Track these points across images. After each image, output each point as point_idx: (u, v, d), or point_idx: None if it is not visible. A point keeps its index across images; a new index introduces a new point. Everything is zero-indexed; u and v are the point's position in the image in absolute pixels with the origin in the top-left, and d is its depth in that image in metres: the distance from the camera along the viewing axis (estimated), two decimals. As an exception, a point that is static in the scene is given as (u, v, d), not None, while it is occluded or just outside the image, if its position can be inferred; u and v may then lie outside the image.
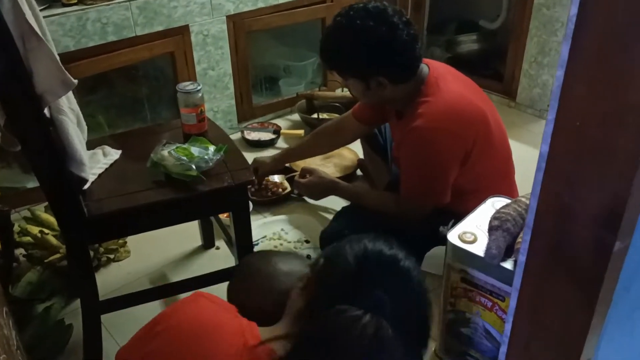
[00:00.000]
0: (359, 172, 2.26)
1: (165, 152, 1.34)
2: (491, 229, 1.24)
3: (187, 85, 1.46)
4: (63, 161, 1.15)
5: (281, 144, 2.49)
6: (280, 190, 2.10)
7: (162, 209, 1.29)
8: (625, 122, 0.60)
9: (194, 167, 1.30)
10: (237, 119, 2.56)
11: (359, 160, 2.25)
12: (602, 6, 0.59)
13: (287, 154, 1.98)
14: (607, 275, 0.70)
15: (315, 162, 2.26)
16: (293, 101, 2.66)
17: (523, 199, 1.29)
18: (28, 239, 1.63)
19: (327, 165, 2.25)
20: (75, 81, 1.09)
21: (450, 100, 1.48)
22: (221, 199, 1.34)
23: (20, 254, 1.70)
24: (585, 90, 0.64)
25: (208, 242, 1.84)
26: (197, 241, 1.87)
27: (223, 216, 1.94)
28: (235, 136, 2.53)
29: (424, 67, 1.53)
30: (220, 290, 1.16)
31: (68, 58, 1.92)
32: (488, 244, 1.21)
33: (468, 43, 3.07)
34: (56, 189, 1.15)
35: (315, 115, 2.53)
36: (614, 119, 0.61)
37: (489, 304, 1.26)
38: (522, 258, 0.78)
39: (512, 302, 0.82)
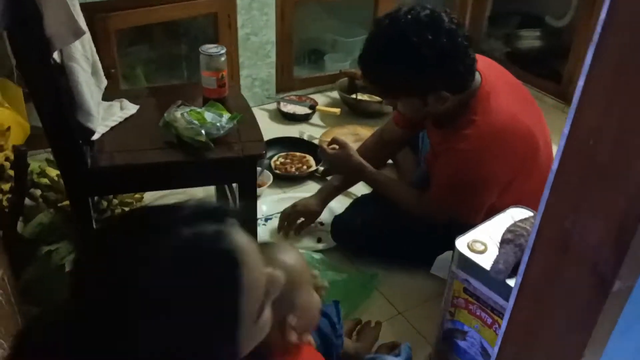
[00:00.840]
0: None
1: (178, 114, 1.31)
2: (503, 242, 1.15)
3: (210, 48, 1.42)
4: (69, 109, 1.13)
5: (316, 119, 2.43)
6: (304, 167, 2.05)
7: (166, 170, 1.27)
8: (640, 146, 0.51)
9: (203, 132, 1.27)
10: (275, 89, 2.52)
11: (391, 148, 2.16)
12: (628, 19, 0.50)
13: (332, 191, 1.74)
14: (602, 318, 0.62)
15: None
16: (335, 78, 2.58)
17: (544, 215, 1.19)
18: (45, 180, 1.65)
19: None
20: (85, 30, 1.06)
21: (500, 123, 1.36)
22: (228, 168, 1.30)
23: (39, 195, 1.73)
24: (603, 105, 0.55)
25: (221, 210, 1.81)
26: (212, 207, 1.86)
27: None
28: (270, 107, 2.49)
29: (476, 76, 1.39)
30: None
31: (108, 7, 1.92)
32: (496, 258, 1.13)
33: (530, 39, 2.89)
34: (58, 136, 1.14)
35: (354, 96, 2.45)
36: (628, 141, 0.52)
37: (489, 321, 1.18)
38: (518, 279, 0.72)
39: (504, 322, 0.76)
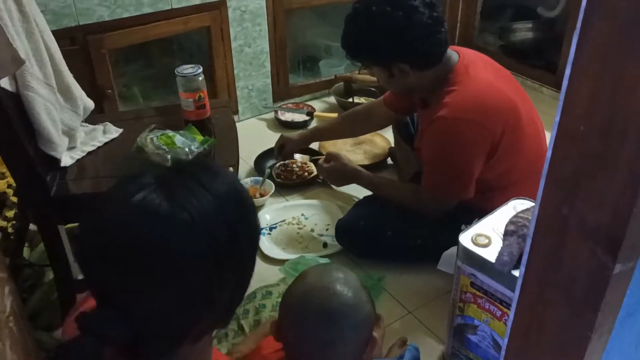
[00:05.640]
0: (389, 160, 2.18)
1: (149, 138, 1.30)
2: (506, 234, 1.15)
3: (186, 69, 1.40)
4: (25, 137, 1.13)
5: (314, 126, 2.44)
6: (305, 173, 2.05)
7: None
8: (629, 131, 0.52)
9: (169, 158, 1.26)
10: (272, 99, 2.52)
11: (390, 148, 2.17)
12: (609, 5, 0.51)
13: (314, 133, 1.98)
14: (607, 301, 0.62)
15: (345, 148, 2.20)
16: (331, 83, 2.59)
17: (546, 204, 1.19)
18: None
19: (357, 152, 2.18)
20: (23, 59, 1.04)
21: (478, 89, 1.40)
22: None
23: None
24: (589, 91, 0.56)
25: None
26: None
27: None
28: (268, 116, 2.50)
29: (452, 55, 1.46)
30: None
31: (102, 28, 1.94)
32: (500, 250, 1.12)
33: (523, 31, 2.89)
34: (15, 164, 1.14)
35: (350, 100, 2.45)
36: (617, 127, 0.53)
37: (498, 313, 1.18)
38: (521, 269, 0.72)
39: (511, 312, 0.77)
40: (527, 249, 0.71)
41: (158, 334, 0.62)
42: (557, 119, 0.61)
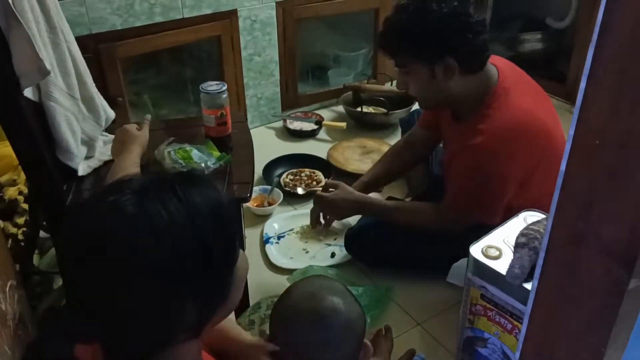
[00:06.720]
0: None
1: (166, 152, 1.30)
2: (517, 246, 1.14)
3: (210, 85, 1.38)
4: (45, 147, 1.14)
5: (323, 135, 2.44)
6: (314, 183, 2.05)
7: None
8: (648, 145, 0.51)
9: None
10: (281, 107, 2.53)
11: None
12: (630, 11, 0.50)
13: (368, 186, 1.71)
14: (621, 316, 0.61)
15: (354, 157, 2.20)
16: (339, 92, 2.60)
17: (558, 216, 1.18)
18: (59, 211, 1.67)
19: (366, 162, 2.18)
20: (49, 69, 1.04)
21: (516, 118, 1.36)
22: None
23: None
24: (607, 105, 0.55)
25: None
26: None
27: (253, 205, 1.91)
28: (277, 125, 2.50)
29: (492, 70, 1.40)
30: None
31: (115, 36, 1.96)
32: (511, 262, 1.12)
33: (532, 42, 2.89)
34: (33, 173, 1.14)
35: (359, 109, 2.46)
36: (636, 141, 0.52)
37: (509, 326, 1.17)
38: (534, 282, 0.71)
39: (524, 326, 0.76)
40: (540, 262, 0.70)
41: (127, 338, 0.64)
42: (572, 132, 0.60)
